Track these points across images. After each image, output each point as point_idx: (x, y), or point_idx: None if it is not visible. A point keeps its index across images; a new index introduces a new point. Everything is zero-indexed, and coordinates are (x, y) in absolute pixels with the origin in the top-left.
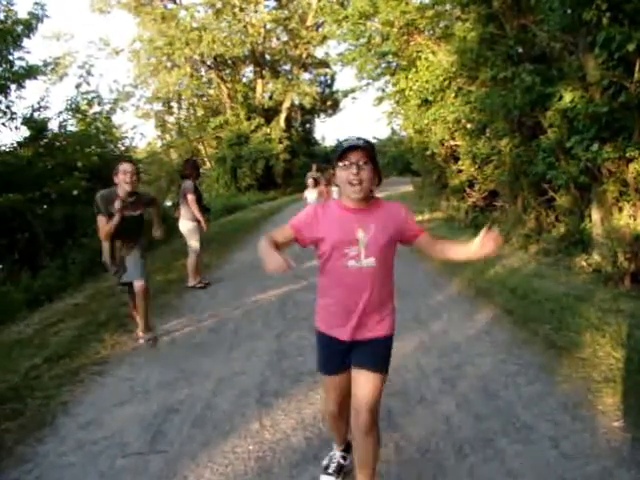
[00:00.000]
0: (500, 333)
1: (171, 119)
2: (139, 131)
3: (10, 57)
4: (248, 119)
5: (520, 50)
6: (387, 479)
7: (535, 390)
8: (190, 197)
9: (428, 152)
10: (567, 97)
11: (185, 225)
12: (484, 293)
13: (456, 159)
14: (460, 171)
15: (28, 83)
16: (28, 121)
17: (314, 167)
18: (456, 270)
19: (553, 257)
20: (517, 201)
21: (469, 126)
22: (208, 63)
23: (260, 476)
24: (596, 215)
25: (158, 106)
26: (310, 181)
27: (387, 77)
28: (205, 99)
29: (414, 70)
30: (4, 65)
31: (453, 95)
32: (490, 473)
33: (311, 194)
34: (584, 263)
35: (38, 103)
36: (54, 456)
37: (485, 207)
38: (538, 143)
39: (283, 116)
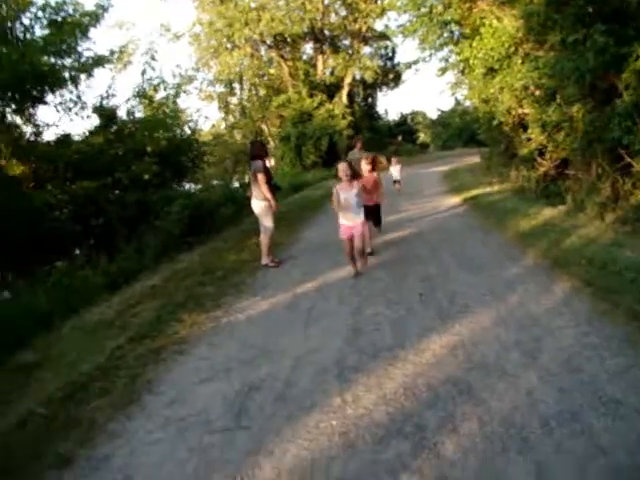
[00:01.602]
0: (580, 305)
1: (234, 100)
2: (203, 114)
3: (79, 48)
4: (310, 96)
5: (591, 10)
6: (472, 453)
7: (620, 363)
8: (260, 177)
9: (495, 122)
10: None
11: (258, 205)
12: (560, 264)
13: (524, 128)
14: (529, 140)
15: (96, 72)
16: (98, 110)
17: (358, 145)
18: (531, 241)
19: (631, 226)
20: (591, 169)
21: (538, 93)
22: (268, 42)
23: (345, 451)
24: None
25: (220, 88)
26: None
27: (450, 47)
28: (266, 78)
29: (478, 38)
30: (73, 56)
31: (520, 62)
32: (578, 448)
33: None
34: None
35: (106, 91)
36: (143, 432)
37: (557, 176)
38: (613, 107)
39: (345, 91)
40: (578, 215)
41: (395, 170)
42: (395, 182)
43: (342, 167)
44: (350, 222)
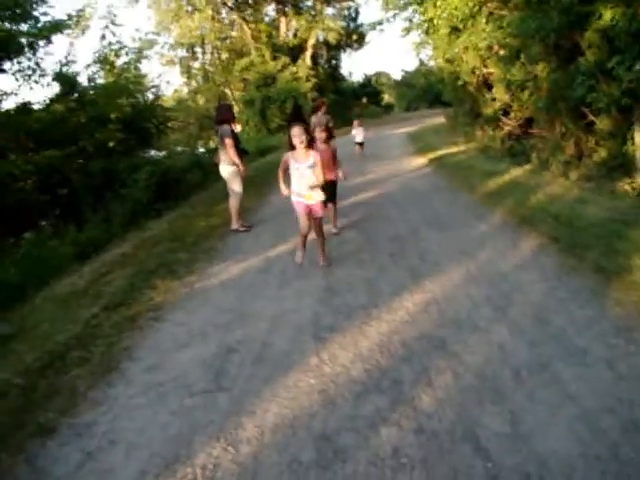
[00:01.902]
0: (547, 260)
1: (196, 64)
2: (165, 79)
3: (35, 13)
4: (274, 59)
5: None
6: (447, 405)
7: (587, 315)
8: (228, 141)
9: (460, 82)
10: (607, 15)
11: (226, 169)
12: (527, 221)
13: (489, 87)
14: (494, 99)
15: (54, 39)
16: (58, 77)
17: (322, 108)
18: (497, 200)
19: (595, 183)
20: (555, 127)
21: (502, 52)
22: (229, 4)
23: (325, 407)
24: (639, 137)
25: (182, 52)
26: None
27: (414, 6)
28: (229, 42)
29: None
30: (30, 22)
31: (484, 21)
32: (550, 397)
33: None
34: (628, 187)
35: (65, 58)
36: (125, 398)
37: (521, 135)
38: (577, 66)
39: (309, 54)
40: (543, 173)
41: (358, 132)
42: (358, 145)
43: (297, 131)
44: (305, 199)
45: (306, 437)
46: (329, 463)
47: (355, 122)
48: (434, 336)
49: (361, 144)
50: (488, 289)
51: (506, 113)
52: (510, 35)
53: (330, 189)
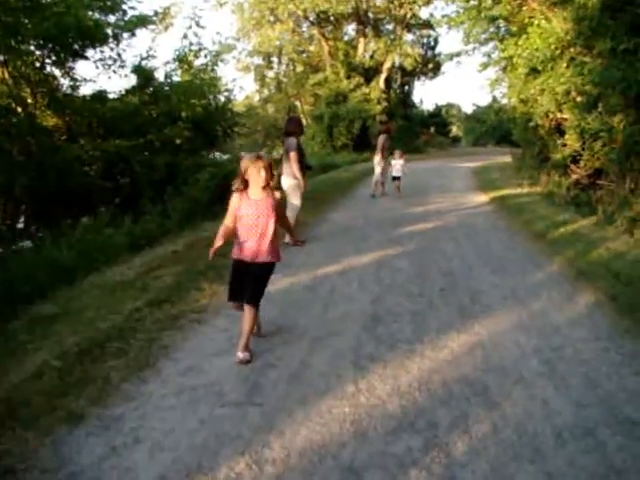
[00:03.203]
0: (602, 319)
1: (270, 74)
2: (238, 84)
3: (124, 6)
4: (347, 78)
5: None
6: (483, 456)
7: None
8: (293, 155)
9: (531, 123)
10: None
11: (287, 182)
12: (586, 275)
13: (561, 133)
14: (564, 145)
15: (138, 32)
16: (136, 69)
17: (387, 129)
18: (557, 249)
19: None
20: (625, 182)
21: (579, 99)
22: (311, 19)
23: (355, 439)
24: None
25: (258, 60)
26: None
27: (495, 42)
28: (305, 55)
29: (525, 36)
30: (118, 14)
31: (565, 65)
32: (591, 465)
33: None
34: None
35: (146, 52)
36: (157, 397)
37: (589, 185)
38: None
39: (383, 76)
40: (607, 227)
41: (397, 165)
42: (395, 179)
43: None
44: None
45: (333, 467)
46: None
47: (397, 152)
48: (476, 381)
49: (398, 179)
50: (538, 340)
51: (575, 161)
52: (590, 82)
53: (256, 277)
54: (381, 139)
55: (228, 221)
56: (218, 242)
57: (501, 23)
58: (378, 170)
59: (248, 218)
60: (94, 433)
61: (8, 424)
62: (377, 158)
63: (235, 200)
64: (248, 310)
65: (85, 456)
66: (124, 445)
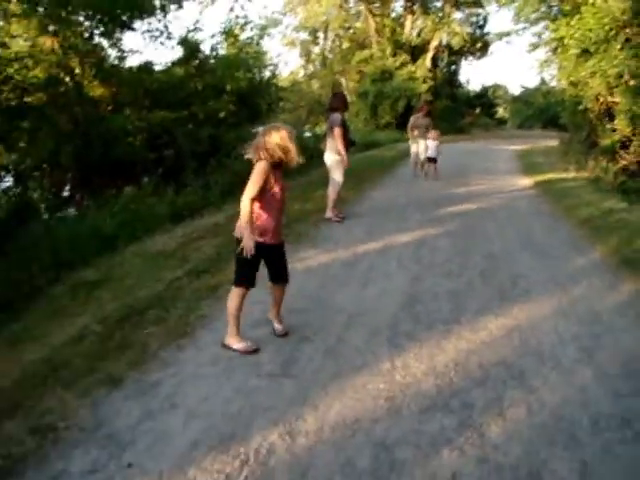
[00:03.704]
0: None
1: (316, 50)
2: (283, 59)
3: None
4: (394, 55)
5: None
6: (516, 440)
7: None
8: (337, 131)
9: (581, 107)
10: None
11: (330, 157)
12: (630, 264)
13: (611, 117)
14: (614, 130)
15: (185, 4)
16: (183, 41)
17: (424, 109)
18: (600, 236)
19: None
20: None
21: (632, 82)
22: None
23: (389, 416)
24: None
25: (304, 35)
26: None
27: (546, 22)
28: (352, 32)
29: (578, 16)
30: None
31: (619, 47)
32: (629, 455)
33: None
34: None
35: (193, 24)
36: (193, 365)
37: (637, 172)
38: None
39: (430, 55)
40: None
41: (431, 145)
42: (430, 160)
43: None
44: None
45: (365, 442)
46: (383, 474)
47: (432, 132)
48: (513, 365)
49: (433, 160)
50: (577, 327)
51: (624, 146)
52: None
53: (275, 258)
54: (412, 119)
55: (254, 193)
56: (253, 234)
57: (553, 2)
58: (412, 150)
59: (278, 195)
60: (131, 396)
61: (50, 383)
62: (410, 139)
63: (267, 170)
64: (283, 288)
65: (122, 419)
66: (160, 410)
